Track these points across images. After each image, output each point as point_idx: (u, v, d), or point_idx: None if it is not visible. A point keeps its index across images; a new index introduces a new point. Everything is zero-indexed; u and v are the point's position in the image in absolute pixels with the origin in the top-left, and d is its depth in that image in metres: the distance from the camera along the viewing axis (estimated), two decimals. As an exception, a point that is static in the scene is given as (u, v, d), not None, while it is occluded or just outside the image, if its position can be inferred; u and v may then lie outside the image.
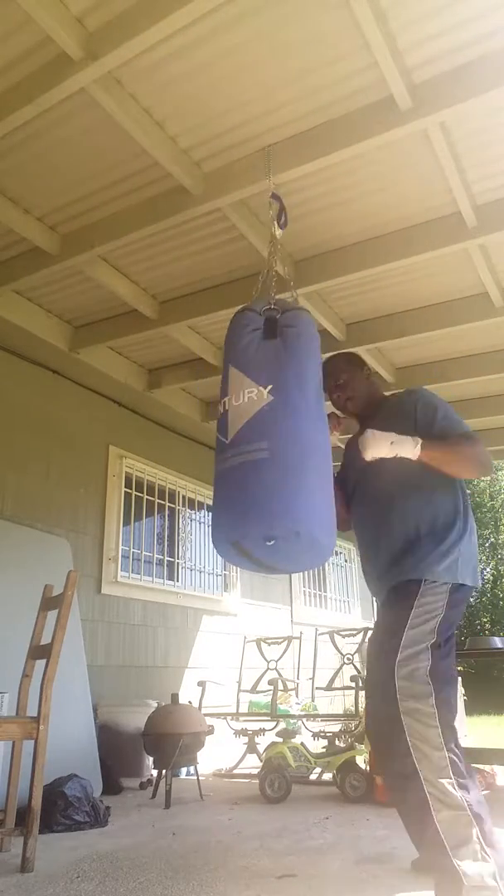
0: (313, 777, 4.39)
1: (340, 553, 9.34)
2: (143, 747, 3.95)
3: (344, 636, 5.09)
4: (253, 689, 5.01)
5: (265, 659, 5.26)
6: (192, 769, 4.20)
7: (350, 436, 2.53)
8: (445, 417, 2.23)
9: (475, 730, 7.32)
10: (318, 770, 4.28)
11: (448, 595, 2.06)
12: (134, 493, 5.53)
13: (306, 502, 2.05)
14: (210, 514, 6.42)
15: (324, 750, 4.23)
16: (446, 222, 3.26)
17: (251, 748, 4.88)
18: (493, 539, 18.36)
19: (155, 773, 4.02)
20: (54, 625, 2.76)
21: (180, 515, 6.10)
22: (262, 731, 4.87)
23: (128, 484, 5.45)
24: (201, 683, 4.72)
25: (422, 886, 2.23)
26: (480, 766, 4.12)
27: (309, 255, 3.62)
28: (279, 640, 5.47)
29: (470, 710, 7.88)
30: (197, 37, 2.32)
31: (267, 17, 2.26)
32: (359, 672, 4.75)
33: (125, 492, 5.38)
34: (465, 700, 7.66)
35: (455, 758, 1.90)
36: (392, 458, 2.09)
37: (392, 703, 1.94)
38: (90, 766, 3.77)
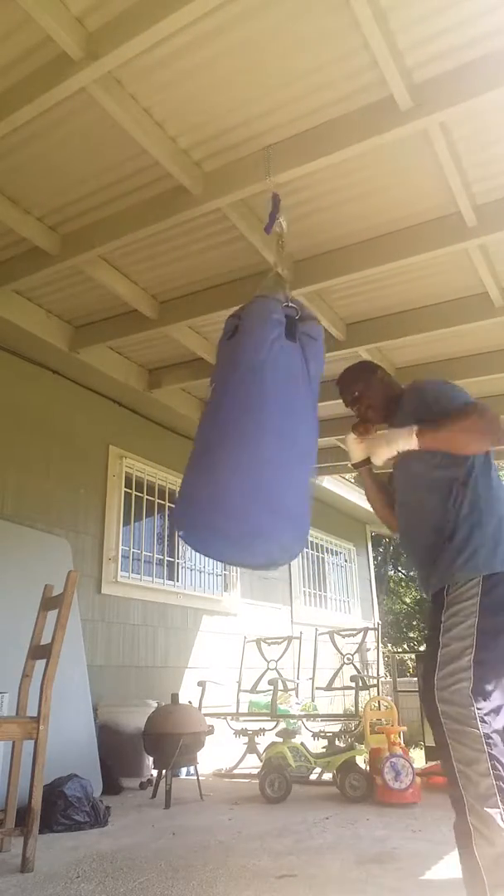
0: (313, 777, 4.39)
1: (340, 553, 9.35)
2: (143, 747, 3.95)
3: (344, 636, 5.10)
4: (253, 689, 5.01)
5: (265, 659, 5.26)
6: (192, 769, 4.21)
7: None
8: (439, 398, 2.11)
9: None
10: (318, 770, 4.28)
11: (480, 592, 1.87)
12: (134, 493, 5.53)
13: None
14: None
15: (324, 750, 4.23)
16: (446, 222, 3.26)
17: (251, 748, 4.89)
18: None
19: (155, 773, 4.02)
20: (54, 625, 2.76)
21: (180, 515, 6.09)
22: (262, 731, 4.87)
23: (128, 484, 5.45)
24: (201, 683, 4.72)
25: (422, 886, 2.23)
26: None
27: (309, 255, 3.62)
28: (279, 640, 5.47)
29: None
30: (197, 37, 2.32)
31: (267, 18, 2.26)
32: (359, 672, 4.75)
33: (125, 492, 5.38)
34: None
35: None
36: (408, 462, 2.04)
37: (439, 727, 1.81)
38: (90, 766, 3.77)
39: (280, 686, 4.65)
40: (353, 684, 4.45)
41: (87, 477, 5.03)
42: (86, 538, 4.89)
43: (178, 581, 5.82)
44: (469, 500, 2.00)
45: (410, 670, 10.76)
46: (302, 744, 4.11)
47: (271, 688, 4.60)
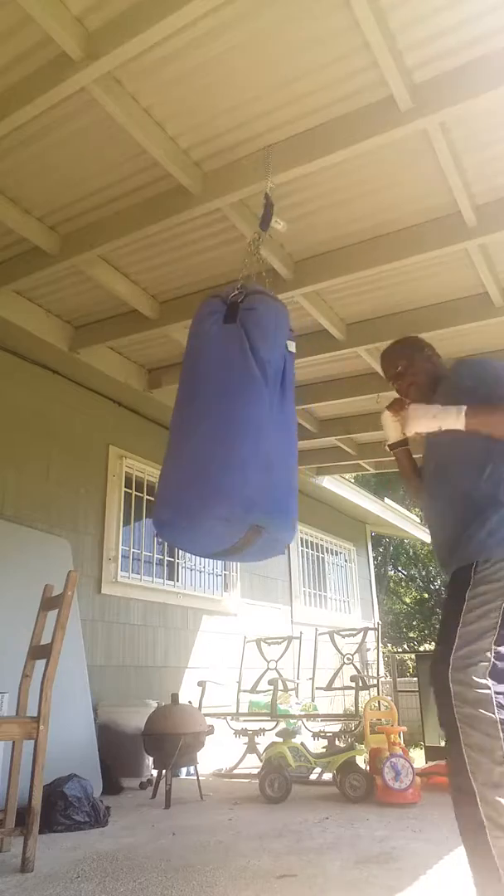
0: (313, 777, 4.39)
1: (340, 553, 9.34)
2: (143, 747, 3.95)
3: (344, 636, 5.10)
4: (253, 689, 5.01)
5: (265, 659, 5.26)
6: (192, 769, 4.21)
7: None
8: (497, 379, 2.03)
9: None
10: (318, 770, 4.28)
11: None
12: (134, 493, 5.53)
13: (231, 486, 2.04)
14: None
15: (324, 750, 4.23)
16: (446, 222, 3.26)
17: (251, 748, 4.89)
18: None
19: (155, 773, 4.02)
20: (54, 625, 2.76)
21: (180, 515, 6.09)
22: (262, 731, 4.88)
23: (128, 484, 5.45)
24: (201, 683, 4.72)
25: (422, 886, 2.23)
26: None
27: (309, 255, 3.62)
28: (279, 640, 5.47)
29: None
30: (197, 36, 2.32)
31: (267, 18, 2.26)
32: (359, 672, 4.75)
33: (125, 492, 5.38)
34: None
35: None
36: (444, 434, 1.95)
37: (448, 710, 1.74)
38: (90, 766, 3.77)
39: (280, 686, 4.65)
40: (353, 684, 4.44)
41: (87, 477, 5.03)
42: (86, 538, 4.89)
43: (178, 581, 5.82)
44: None
45: (410, 670, 10.76)
46: (302, 744, 4.11)
47: (271, 688, 4.60)
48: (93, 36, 2.29)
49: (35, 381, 4.73)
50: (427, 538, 11.89)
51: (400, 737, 3.95)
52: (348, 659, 4.73)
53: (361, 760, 4.11)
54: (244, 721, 4.91)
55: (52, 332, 4.30)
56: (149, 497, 5.70)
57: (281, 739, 4.13)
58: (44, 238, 3.39)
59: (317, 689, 5.13)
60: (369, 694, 4.96)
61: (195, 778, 3.97)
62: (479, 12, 2.23)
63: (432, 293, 3.94)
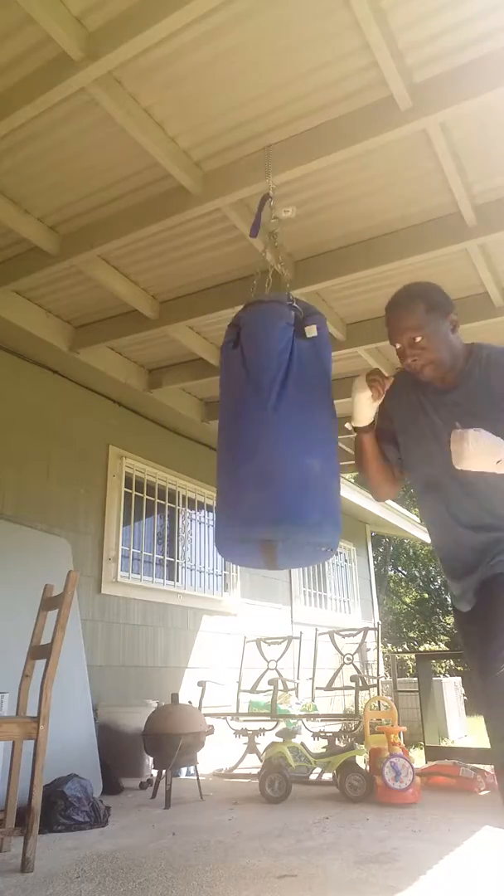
0: (313, 777, 4.39)
1: (341, 553, 9.34)
2: (143, 747, 3.95)
3: (344, 636, 5.10)
4: (253, 689, 5.01)
5: (265, 659, 5.26)
6: (192, 769, 4.20)
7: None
8: None
9: (476, 729, 7.32)
10: (318, 770, 4.28)
11: None
12: (134, 493, 5.53)
13: (338, 511, 2.16)
14: (210, 513, 6.45)
15: (324, 750, 4.23)
16: (446, 222, 3.26)
17: (251, 748, 4.88)
18: None
19: (155, 773, 4.02)
20: (54, 625, 2.76)
21: (180, 515, 6.10)
22: (262, 731, 4.87)
23: (128, 484, 5.45)
24: (201, 683, 4.72)
25: (422, 886, 2.23)
26: (480, 767, 4.12)
27: (309, 255, 3.62)
28: (279, 640, 5.47)
29: (470, 710, 7.88)
30: (197, 37, 2.32)
31: (267, 18, 2.27)
32: (359, 672, 4.75)
33: (125, 492, 5.38)
34: (464, 700, 7.67)
35: None
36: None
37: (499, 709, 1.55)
38: (90, 766, 3.77)
39: (280, 686, 4.65)
40: (353, 684, 4.44)
41: (87, 477, 5.03)
42: (86, 538, 4.89)
43: (178, 581, 5.82)
44: None
45: (410, 670, 10.77)
46: (302, 744, 4.10)
47: (271, 688, 4.60)
48: (93, 36, 2.29)
49: (35, 381, 4.73)
50: (427, 538, 11.90)
51: (400, 737, 3.95)
52: (348, 659, 4.73)
53: (361, 760, 4.10)
54: (244, 721, 4.91)
55: (52, 332, 4.30)
56: (149, 497, 5.70)
57: (281, 739, 4.13)
58: (44, 238, 3.39)
59: (317, 689, 5.13)
60: (369, 694, 4.96)
61: (195, 778, 3.97)
62: (479, 12, 2.23)
63: (432, 293, 3.94)
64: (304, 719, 4.96)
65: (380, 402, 1.90)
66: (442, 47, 2.36)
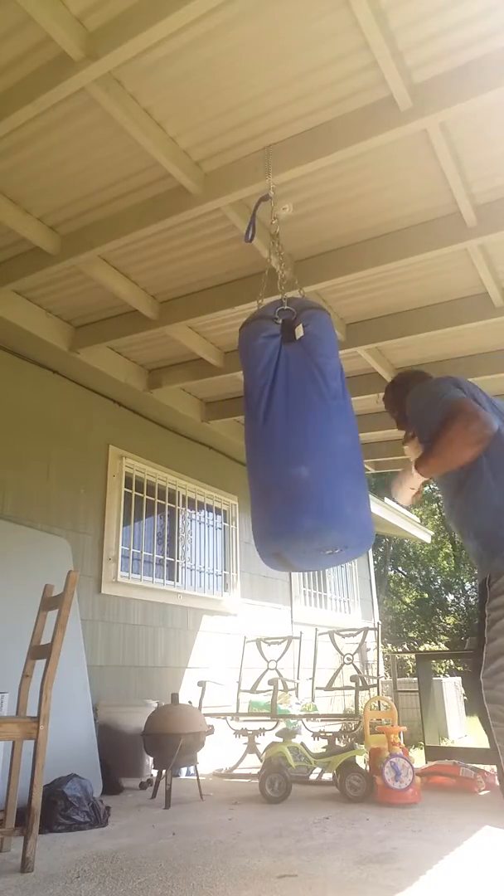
0: (313, 777, 4.39)
1: (340, 553, 9.33)
2: (143, 747, 3.95)
3: (344, 636, 5.10)
4: (253, 689, 5.01)
5: (265, 659, 5.26)
6: (192, 769, 4.21)
7: None
8: (422, 415, 2.07)
9: (475, 730, 7.31)
10: (318, 770, 4.28)
11: None
12: (134, 493, 5.53)
13: (342, 512, 2.13)
14: (210, 513, 6.45)
15: (324, 750, 4.23)
16: (446, 222, 3.26)
17: (251, 748, 4.88)
18: None
19: (155, 773, 4.02)
20: (54, 625, 2.76)
21: (180, 515, 6.10)
22: (262, 731, 4.87)
23: (128, 484, 5.45)
24: (201, 683, 4.72)
25: (422, 886, 2.23)
26: (480, 767, 4.12)
27: (309, 255, 3.62)
28: (279, 640, 5.47)
29: (470, 710, 7.88)
30: (197, 37, 2.32)
31: (267, 18, 2.27)
32: (359, 672, 4.75)
33: (125, 492, 5.38)
34: (464, 700, 7.67)
35: None
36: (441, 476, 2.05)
37: (488, 726, 1.74)
38: (90, 766, 3.77)
39: (280, 686, 4.65)
40: (353, 684, 4.44)
41: (87, 477, 5.03)
42: (86, 538, 4.89)
43: (178, 581, 5.82)
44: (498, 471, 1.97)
45: (410, 670, 10.77)
46: (302, 744, 4.10)
47: (271, 688, 4.60)
48: (93, 36, 2.29)
49: (35, 381, 4.73)
50: (427, 538, 11.92)
51: (400, 737, 3.95)
52: (348, 659, 4.73)
53: (361, 760, 4.10)
54: (244, 721, 4.91)
55: (52, 332, 4.30)
56: (149, 497, 5.70)
57: (281, 739, 4.13)
58: (44, 238, 3.39)
59: (317, 689, 5.13)
60: (369, 694, 4.96)
61: (195, 778, 3.97)
62: (479, 12, 2.23)
63: (432, 293, 3.95)
64: (304, 719, 4.96)
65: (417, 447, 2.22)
66: (442, 47, 2.36)
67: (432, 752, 4.84)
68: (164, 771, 3.74)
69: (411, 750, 5.16)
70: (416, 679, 5.96)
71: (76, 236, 3.40)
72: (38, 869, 2.45)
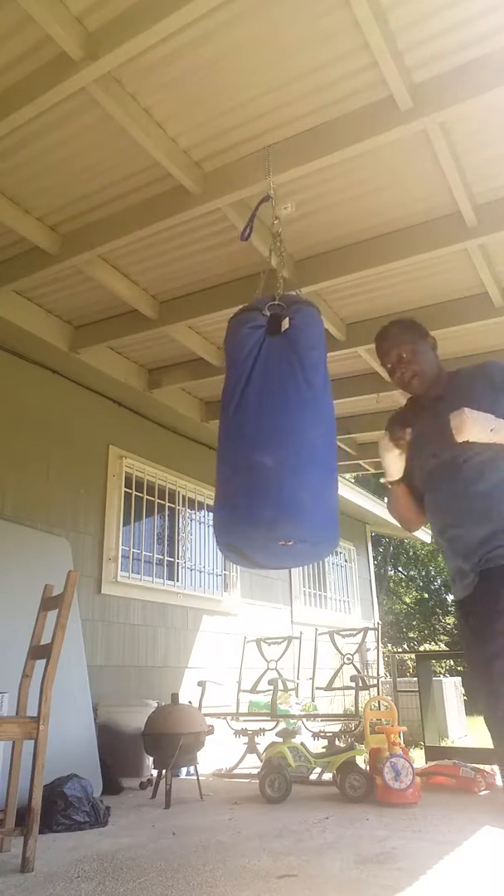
0: (313, 777, 4.39)
1: (340, 553, 9.34)
2: (143, 747, 3.95)
3: (344, 636, 5.10)
4: (253, 689, 5.01)
5: (265, 659, 5.26)
6: (192, 769, 4.20)
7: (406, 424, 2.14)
8: None
9: (475, 730, 7.32)
10: (318, 770, 4.28)
11: None
12: (134, 493, 5.53)
13: (300, 504, 2.05)
14: (210, 513, 6.44)
15: (324, 750, 4.23)
16: (446, 222, 3.26)
17: (251, 748, 4.88)
18: None
19: (155, 773, 4.02)
20: (54, 625, 2.76)
21: (180, 515, 6.10)
22: (262, 731, 4.87)
23: (128, 484, 5.45)
24: (201, 683, 4.72)
25: (422, 886, 2.23)
26: (480, 766, 4.12)
27: (309, 255, 3.62)
28: (279, 640, 5.47)
29: (470, 710, 7.88)
30: (197, 37, 2.32)
31: (267, 18, 2.26)
32: (359, 672, 4.75)
33: (125, 492, 5.38)
34: (464, 700, 7.67)
35: None
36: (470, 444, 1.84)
37: (490, 721, 1.69)
38: (90, 766, 3.77)
39: (280, 686, 4.65)
40: (353, 684, 4.44)
41: (87, 477, 5.03)
42: (86, 538, 4.89)
43: (178, 581, 5.82)
44: None
45: (410, 670, 10.76)
46: (302, 744, 4.10)
47: (271, 688, 4.60)
48: (93, 36, 2.29)
49: (35, 381, 4.73)
50: (427, 538, 11.90)
51: (400, 737, 3.95)
52: (348, 659, 4.73)
53: (361, 760, 4.10)
54: (244, 721, 4.91)
55: (52, 332, 4.30)
56: (149, 497, 5.70)
57: (281, 739, 4.13)
58: (44, 238, 3.39)
59: (317, 689, 5.13)
60: (369, 694, 4.96)
61: (195, 778, 3.97)
62: (479, 12, 2.23)
63: (432, 293, 3.95)
64: (304, 719, 4.96)
65: (404, 451, 2.08)
66: (442, 47, 2.36)
67: (432, 752, 4.84)
68: (164, 771, 3.74)
69: (411, 750, 5.16)
70: (416, 679, 5.96)
71: (76, 236, 3.40)
72: (38, 869, 2.45)
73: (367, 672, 6.97)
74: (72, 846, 2.79)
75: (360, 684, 4.43)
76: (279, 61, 2.43)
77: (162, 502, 5.88)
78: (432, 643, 17.61)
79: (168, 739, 3.69)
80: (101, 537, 5.04)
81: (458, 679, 7.80)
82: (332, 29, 2.29)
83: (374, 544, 11.14)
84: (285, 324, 2.25)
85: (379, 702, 4.86)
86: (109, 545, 5.07)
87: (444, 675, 10.11)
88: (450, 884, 2.27)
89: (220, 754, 5.10)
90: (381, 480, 2.18)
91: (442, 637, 17.80)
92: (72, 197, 3.17)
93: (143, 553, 5.49)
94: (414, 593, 19.64)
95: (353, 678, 4.46)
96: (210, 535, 6.45)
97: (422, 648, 16.20)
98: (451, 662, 11.80)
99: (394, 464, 2.09)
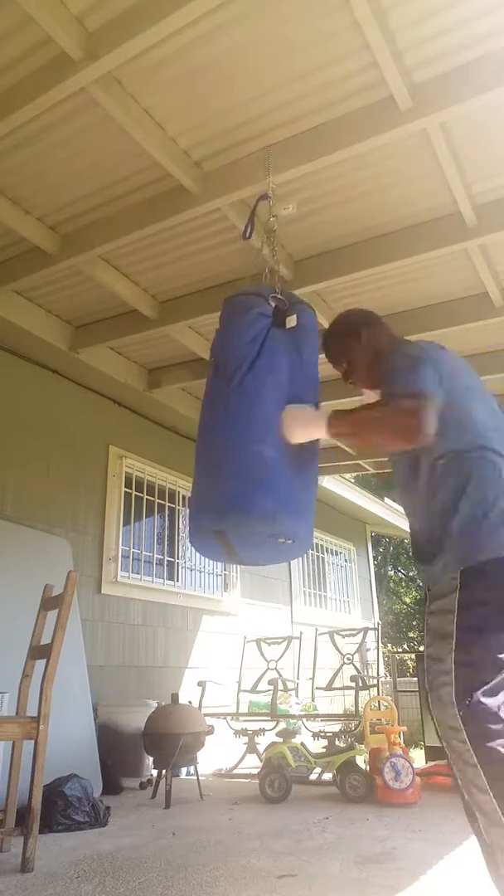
0: (313, 777, 4.39)
1: (340, 553, 9.34)
2: (143, 747, 3.95)
3: (344, 636, 5.10)
4: (253, 689, 5.02)
5: (265, 659, 5.26)
6: (192, 769, 4.21)
7: None
8: (388, 376, 1.85)
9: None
10: (318, 770, 4.28)
11: (458, 587, 1.62)
12: (134, 493, 5.53)
13: (297, 500, 2.06)
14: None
15: (324, 750, 4.23)
16: (446, 222, 3.26)
17: (251, 748, 4.89)
18: None
19: (155, 773, 4.02)
20: (54, 625, 2.76)
21: (180, 515, 6.10)
22: (262, 731, 4.88)
23: (128, 484, 5.45)
24: (201, 683, 4.72)
25: (422, 886, 2.23)
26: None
27: (309, 254, 3.62)
28: (279, 640, 5.47)
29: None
30: (197, 37, 2.32)
31: (267, 17, 2.26)
32: (359, 672, 4.75)
33: (125, 492, 5.38)
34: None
35: None
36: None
37: (440, 738, 1.68)
38: (90, 766, 3.77)
39: (280, 686, 4.65)
40: (353, 684, 4.44)
41: (87, 477, 5.03)
42: (86, 538, 4.89)
43: (178, 581, 5.82)
44: (459, 461, 1.75)
45: (410, 670, 10.76)
46: (302, 744, 4.11)
47: (271, 688, 4.60)
48: (93, 36, 2.29)
49: (35, 381, 4.73)
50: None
51: (400, 737, 3.95)
52: (348, 659, 4.73)
53: (361, 760, 4.11)
54: (244, 721, 4.91)
55: (52, 332, 4.30)
56: (149, 497, 5.70)
57: (281, 739, 4.13)
58: (44, 238, 3.39)
59: (317, 689, 5.13)
60: (369, 694, 4.96)
61: (195, 778, 3.97)
62: (479, 12, 2.23)
63: (432, 293, 3.94)
64: (304, 719, 4.96)
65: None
66: (442, 47, 2.36)
67: (432, 752, 4.84)
68: (164, 771, 3.75)
69: (411, 750, 5.16)
70: (416, 679, 5.96)
71: (76, 236, 3.40)
72: (38, 869, 2.45)
73: (367, 672, 6.97)
74: (72, 846, 2.79)
75: (360, 684, 4.43)
76: (279, 61, 2.43)
77: (162, 502, 5.88)
78: (432, 643, 17.57)
79: (168, 739, 3.69)
80: (101, 537, 5.04)
81: None
82: (333, 29, 2.29)
83: (374, 544, 11.14)
84: (291, 321, 2.23)
85: (379, 702, 4.86)
86: (109, 545, 5.07)
87: (444, 675, 10.08)
88: (450, 884, 2.27)
89: (220, 754, 5.10)
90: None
91: (442, 637, 17.75)
92: (72, 197, 3.17)
93: (143, 553, 5.49)
94: (414, 593, 19.64)
95: (353, 678, 4.46)
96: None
97: (422, 648, 16.19)
98: (451, 662, 11.77)
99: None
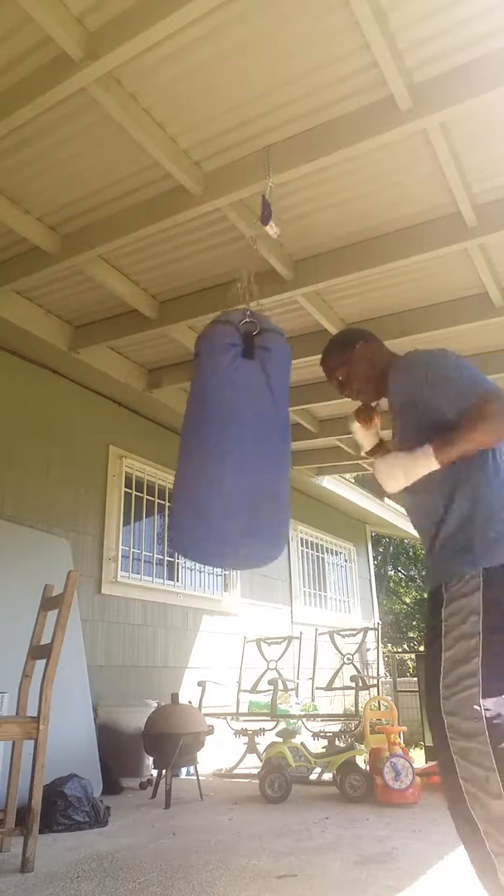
0: (313, 777, 4.39)
1: (340, 553, 9.35)
2: (143, 747, 3.95)
3: (344, 636, 5.10)
4: (253, 689, 5.02)
5: (265, 659, 5.26)
6: (192, 769, 4.21)
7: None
8: (454, 388, 1.78)
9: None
10: (318, 770, 4.28)
11: (482, 586, 1.62)
12: (134, 493, 5.53)
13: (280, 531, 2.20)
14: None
15: (324, 750, 4.23)
16: (446, 222, 3.26)
17: (251, 748, 4.89)
18: None
19: (155, 773, 4.02)
20: (54, 625, 2.76)
21: (180, 515, 6.09)
22: (262, 731, 4.88)
23: (128, 484, 5.45)
24: (201, 683, 4.72)
25: (422, 886, 2.23)
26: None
27: (308, 255, 3.62)
28: (279, 640, 5.47)
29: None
30: (197, 37, 2.32)
31: (267, 17, 2.26)
32: (359, 672, 4.75)
33: (125, 492, 5.38)
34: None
35: None
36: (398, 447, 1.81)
37: (443, 741, 1.63)
38: (90, 766, 3.77)
39: (280, 686, 4.65)
40: (353, 684, 4.44)
41: (87, 477, 5.03)
42: (86, 538, 4.89)
43: (178, 581, 5.82)
44: (473, 466, 1.76)
45: (410, 670, 10.76)
46: (302, 744, 4.11)
47: (271, 688, 4.60)
48: (93, 36, 2.29)
49: (35, 381, 4.73)
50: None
51: (400, 737, 3.95)
52: (348, 659, 4.73)
53: (361, 760, 4.11)
54: (244, 721, 4.91)
55: (52, 332, 4.30)
56: (149, 497, 5.70)
57: (281, 739, 4.14)
58: (44, 238, 3.39)
59: (317, 689, 5.14)
60: (369, 694, 4.96)
61: (195, 778, 3.97)
62: (479, 12, 2.23)
63: (432, 293, 3.95)
64: (304, 719, 4.96)
65: (375, 427, 2.17)
66: (442, 47, 2.36)
67: (432, 752, 4.84)
68: (164, 771, 3.75)
69: (411, 750, 5.16)
70: (415, 679, 5.96)
71: (76, 236, 3.40)
72: (38, 869, 2.45)
73: (367, 672, 6.97)
74: (72, 846, 2.79)
75: (360, 684, 4.43)
76: (279, 61, 2.43)
77: (162, 502, 5.87)
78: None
79: (168, 739, 3.69)
80: (101, 537, 5.04)
81: None
82: (333, 29, 2.29)
83: (374, 544, 11.15)
84: (259, 351, 2.25)
85: (379, 702, 4.87)
86: (109, 545, 5.07)
87: (444, 675, 10.08)
88: (450, 884, 2.27)
89: (220, 754, 5.10)
90: (363, 453, 2.28)
91: (442, 637, 17.75)
92: (72, 197, 3.17)
93: (143, 553, 5.49)
94: (414, 593, 19.64)
95: (353, 678, 4.46)
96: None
97: (422, 648, 16.20)
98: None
99: (363, 438, 2.20)
